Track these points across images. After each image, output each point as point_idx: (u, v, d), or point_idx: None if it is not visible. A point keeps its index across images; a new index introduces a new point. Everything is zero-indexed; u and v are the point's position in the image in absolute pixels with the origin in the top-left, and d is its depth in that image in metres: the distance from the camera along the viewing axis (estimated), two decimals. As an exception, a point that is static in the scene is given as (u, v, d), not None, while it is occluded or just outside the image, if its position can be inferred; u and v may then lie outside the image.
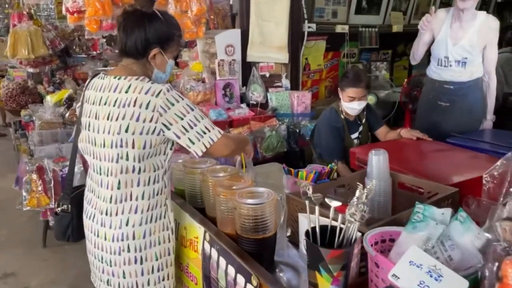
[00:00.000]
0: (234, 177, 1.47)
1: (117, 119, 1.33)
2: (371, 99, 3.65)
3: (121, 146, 1.34)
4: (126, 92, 1.33)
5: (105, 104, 1.37)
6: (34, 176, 2.46)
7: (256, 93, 3.65)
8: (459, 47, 2.35)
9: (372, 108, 2.68)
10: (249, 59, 3.70)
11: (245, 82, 3.73)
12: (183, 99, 1.36)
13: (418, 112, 2.72)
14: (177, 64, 4.87)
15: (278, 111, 3.53)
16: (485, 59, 2.39)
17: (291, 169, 1.43)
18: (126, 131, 1.33)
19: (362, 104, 2.41)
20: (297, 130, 3.52)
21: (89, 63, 5.02)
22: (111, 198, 1.39)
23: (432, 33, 2.50)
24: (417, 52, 2.61)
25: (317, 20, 3.96)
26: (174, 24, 1.48)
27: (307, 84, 4.26)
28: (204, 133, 1.35)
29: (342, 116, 2.53)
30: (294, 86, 3.89)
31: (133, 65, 1.42)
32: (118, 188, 1.38)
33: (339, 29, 4.06)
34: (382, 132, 2.55)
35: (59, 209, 1.62)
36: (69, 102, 3.39)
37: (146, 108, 1.31)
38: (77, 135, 1.54)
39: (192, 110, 1.35)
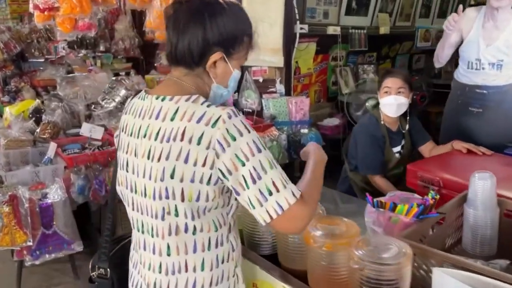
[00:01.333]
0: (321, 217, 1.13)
1: (159, 159, 0.96)
2: (372, 102, 3.46)
3: (167, 197, 0.96)
4: (172, 119, 0.96)
5: (144, 136, 1.00)
6: (7, 209, 2.00)
7: (250, 100, 3.34)
8: (494, 48, 2.19)
9: (417, 121, 2.42)
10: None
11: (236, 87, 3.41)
12: (249, 131, 0.95)
13: (445, 118, 2.54)
14: (154, 68, 4.45)
15: (276, 119, 3.24)
16: None
17: (382, 200, 1.13)
18: (172, 176, 0.95)
19: (400, 99, 2.15)
20: (298, 139, 3.25)
21: (49, 68, 4.46)
22: (160, 267, 1.01)
23: (460, 33, 2.32)
24: (441, 55, 2.43)
25: (308, 21, 3.73)
26: (245, 19, 1.11)
27: (297, 89, 4.01)
28: (270, 193, 0.92)
29: (383, 125, 2.28)
30: (287, 91, 3.63)
31: (184, 77, 1.03)
32: (168, 255, 1.00)
33: (330, 30, 3.85)
34: (427, 148, 2.31)
35: (95, 273, 1.21)
36: (37, 115, 2.90)
37: (198, 143, 0.92)
38: (115, 175, 1.15)
39: (259, 151, 0.93)
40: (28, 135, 2.53)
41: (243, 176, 0.92)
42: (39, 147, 2.57)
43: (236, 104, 3.37)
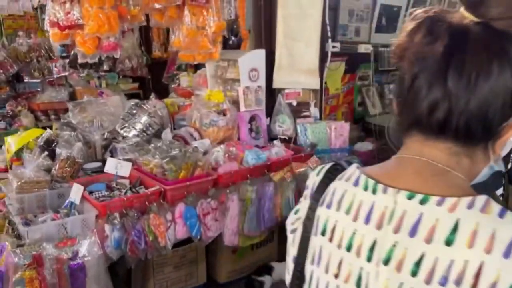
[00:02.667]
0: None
1: None
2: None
3: None
4: (449, 242, 0.57)
5: (386, 262, 0.61)
6: (30, 273, 1.60)
7: (285, 126, 3.03)
8: None
9: None
10: (275, 85, 3.07)
11: (267, 112, 3.09)
12: None
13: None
14: (163, 88, 4.10)
15: (318, 147, 2.92)
16: None
17: None
18: None
19: None
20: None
21: (49, 90, 4.05)
22: None
23: None
24: None
25: (340, 39, 3.47)
26: None
27: (326, 111, 3.72)
28: None
29: None
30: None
31: (450, 159, 0.65)
32: None
33: (362, 49, 3.59)
34: None
35: None
36: (49, 147, 2.50)
37: None
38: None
39: None
40: (43, 174, 2.13)
41: None
42: (56, 187, 2.17)
43: (268, 131, 3.04)
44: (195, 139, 2.75)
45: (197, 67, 4.46)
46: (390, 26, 3.94)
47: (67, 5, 2.06)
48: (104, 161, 2.66)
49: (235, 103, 2.92)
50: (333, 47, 3.31)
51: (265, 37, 3.16)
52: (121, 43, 2.39)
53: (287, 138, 2.97)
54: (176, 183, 2.10)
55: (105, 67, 4.39)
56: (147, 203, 1.98)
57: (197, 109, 2.85)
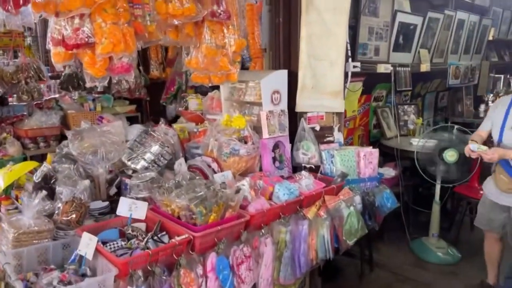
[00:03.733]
0: None
1: None
2: (453, 155, 2.95)
3: None
4: None
5: None
6: None
7: (309, 153, 2.74)
8: None
9: None
10: (298, 108, 2.80)
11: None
12: None
13: None
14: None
15: (348, 177, 2.64)
16: None
17: None
18: None
19: None
20: (372, 201, 2.66)
21: (37, 114, 3.67)
22: None
23: None
24: None
25: (360, 58, 3.24)
26: None
27: (344, 135, 3.46)
28: None
29: None
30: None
31: None
32: None
33: (382, 68, 3.38)
34: None
35: None
36: (47, 184, 2.13)
37: None
38: None
39: None
40: (45, 222, 1.76)
41: None
42: (60, 236, 1.81)
43: (292, 159, 2.75)
44: (214, 171, 2.44)
45: (197, 88, 4.18)
46: (406, 45, 3.76)
47: (76, 20, 1.75)
48: (111, 199, 2.32)
49: (255, 128, 2.62)
50: (354, 66, 3.09)
51: (284, 56, 2.90)
52: (134, 64, 2.07)
53: (313, 167, 2.69)
54: (206, 229, 1.77)
55: (99, 88, 4.04)
56: (174, 255, 1.64)
57: (214, 136, 2.54)
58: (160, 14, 2.06)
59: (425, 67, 3.94)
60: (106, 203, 2.18)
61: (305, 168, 2.68)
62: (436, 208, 3.24)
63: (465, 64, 4.79)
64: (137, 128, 2.88)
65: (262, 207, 2.08)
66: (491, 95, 5.96)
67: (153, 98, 4.34)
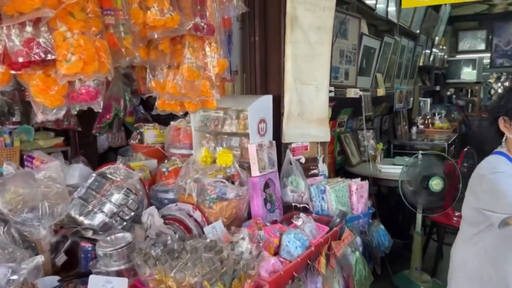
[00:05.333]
0: None
1: None
2: (438, 183, 2.81)
3: None
4: None
5: None
6: None
7: (299, 190, 2.38)
8: None
9: None
10: (285, 139, 2.43)
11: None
12: None
13: None
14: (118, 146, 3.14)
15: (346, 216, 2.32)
16: None
17: None
18: None
19: None
20: (370, 240, 2.38)
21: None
22: None
23: None
24: None
25: (333, 83, 3.01)
26: None
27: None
28: None
29: None
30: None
31: None
32: None
33: (351, 93, 3.19)
34: None
35: None
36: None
37: None
38: None
39: None
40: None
41: None
42: None
43: (282, 198, 2.35)
44: (197, 223, 1.94)
45: (140, 118, 3.61)
46: (367, 69, 3.65)
47: (28, 28, 1.18)
48: (62, 273, 1.68)
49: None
50: (330, 91, 2.84)
51: (261, 79, 2.53)
52: (102, 89, 1.53)
53: (307, 206, 2.32)
54: (225, 314, 1.29)
55: (15, 117, 3.24)
56: None
57: (192, 177, 2.05)
58: (136, 24, 1.58)
59: (381, 91, 3.88)
60: (56, 278, 1.56)
61: (296, 208, 2.31)
62: (417, 240, 3.08)
63: (406, 88, 4.91)
64: (79, 169, 2.28)
65: (275, 268, 1.65)
66: (420, 117, 6.27)
67: (86, 129, 3.64)
